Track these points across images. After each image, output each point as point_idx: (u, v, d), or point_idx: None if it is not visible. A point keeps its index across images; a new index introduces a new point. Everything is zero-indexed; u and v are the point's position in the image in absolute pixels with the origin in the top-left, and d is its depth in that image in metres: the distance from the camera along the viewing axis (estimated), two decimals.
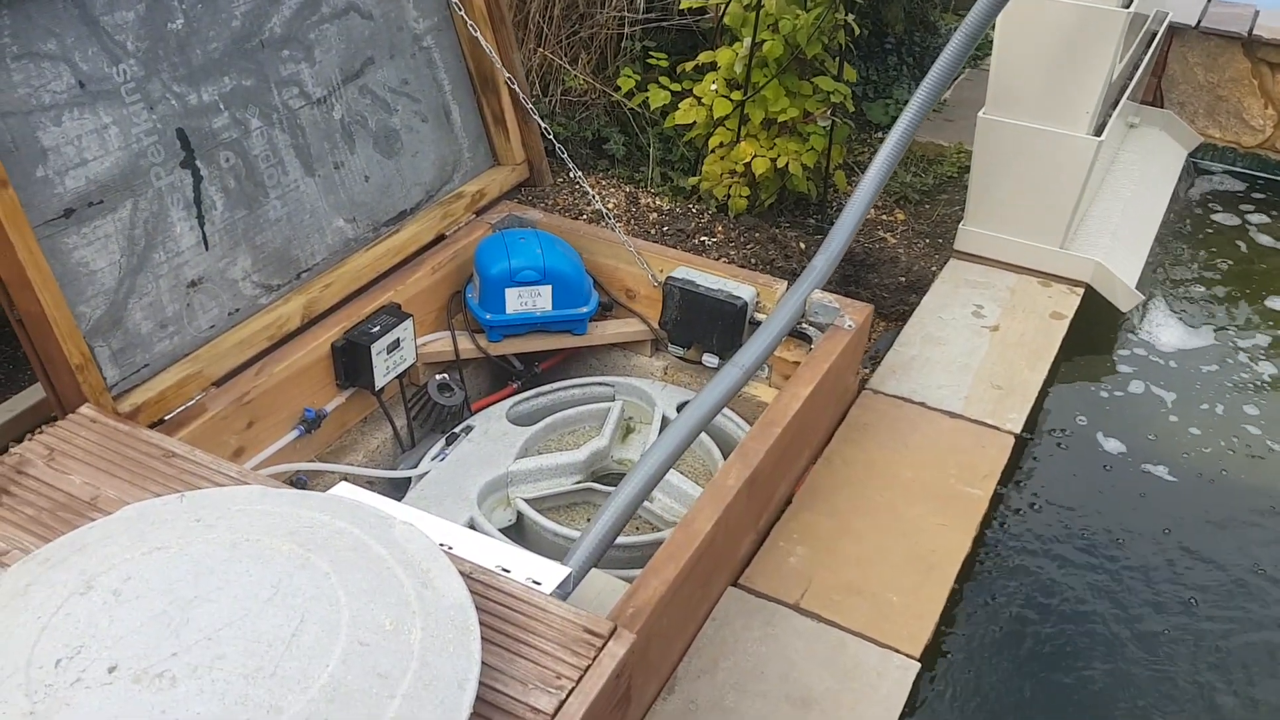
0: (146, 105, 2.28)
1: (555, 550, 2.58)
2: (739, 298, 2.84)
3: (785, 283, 2.93)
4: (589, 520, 2.68)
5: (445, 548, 1.98)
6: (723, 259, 3.50)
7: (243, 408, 2.40)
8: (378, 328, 2.65)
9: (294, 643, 1.42)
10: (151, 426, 2.27)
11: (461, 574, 1.75)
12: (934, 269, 3.79)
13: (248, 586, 1.50)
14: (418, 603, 1.54)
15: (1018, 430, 2.85)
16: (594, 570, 2.14)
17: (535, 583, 1.91)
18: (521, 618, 1.68)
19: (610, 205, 3.69)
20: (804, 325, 2.82)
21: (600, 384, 3.08)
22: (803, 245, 3.73)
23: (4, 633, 1.44)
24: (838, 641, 2.20)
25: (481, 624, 1.64)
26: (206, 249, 2.44)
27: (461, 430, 2.85)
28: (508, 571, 1.94)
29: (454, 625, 1.52)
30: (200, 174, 2.40)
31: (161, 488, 1.91)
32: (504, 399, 3.03)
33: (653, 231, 3.57)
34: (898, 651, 2.18)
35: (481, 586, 1.74)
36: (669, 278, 2.91)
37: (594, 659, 1.60)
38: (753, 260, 3.54)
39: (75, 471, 1.93)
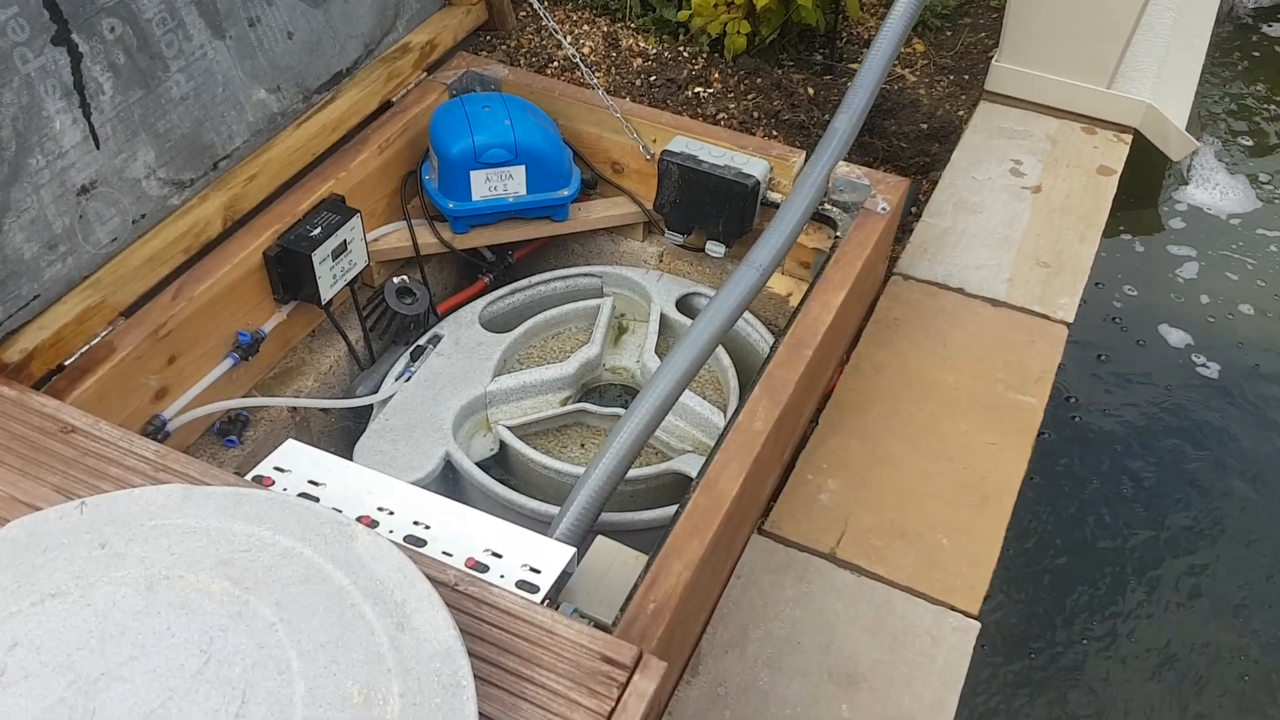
0: None
1: (546, 484, 2.30)
2: (750, 175, 2.45)
3: (803, 154, 2.54)
4: (582, 447, 2.38)
5: (421, 527, 1.69)
6: (721, 115, 3.07)
7: (160, 342, 2.03)
8: (319, 230, 2.25)
9: None
10: (51, 375, 1.91)
11: (444, 586, 1.45)
12: (961, 113, 3.38)
13: (170, 653, 1.19)
14: (393, 655, 1.24)
15: (1070, 319, 2.54)
16: (599, 537, 1.85)
17: (534, 570, 1.63)
18: (524, 644, 1.39)
19: (586, 50, 3.21)
20: (826, 207, 2.45)
21: (586, 275, 2.72)
22: (811, 90, 3.29)
23: None
24: (883, 599, 1.95)
25: (474, 655, 1.35)
26: (97, 145, 2.00)
27: (428, 341, 2.50)
28: (499, 557, 1.65)
29: (441, 683, 1.23)
30: (79, 50, 1.94)
31: (60, 478, 1.57)
32: (474, 298, 2.67)
33: (638, 82, 3.11)
34: (953, 609, 1.93)
35: (472, 604, 1.44)
36: (665, 152, 2.51)
37: (617, 700, 1.32)
38: (755, 114, 3.11)
39: None
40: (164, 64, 2.10)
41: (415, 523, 1.71)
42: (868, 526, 2.07)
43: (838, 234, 2.41)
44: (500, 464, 2.39)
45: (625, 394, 2.58)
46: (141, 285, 2.06)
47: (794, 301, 2.63)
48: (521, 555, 1.65)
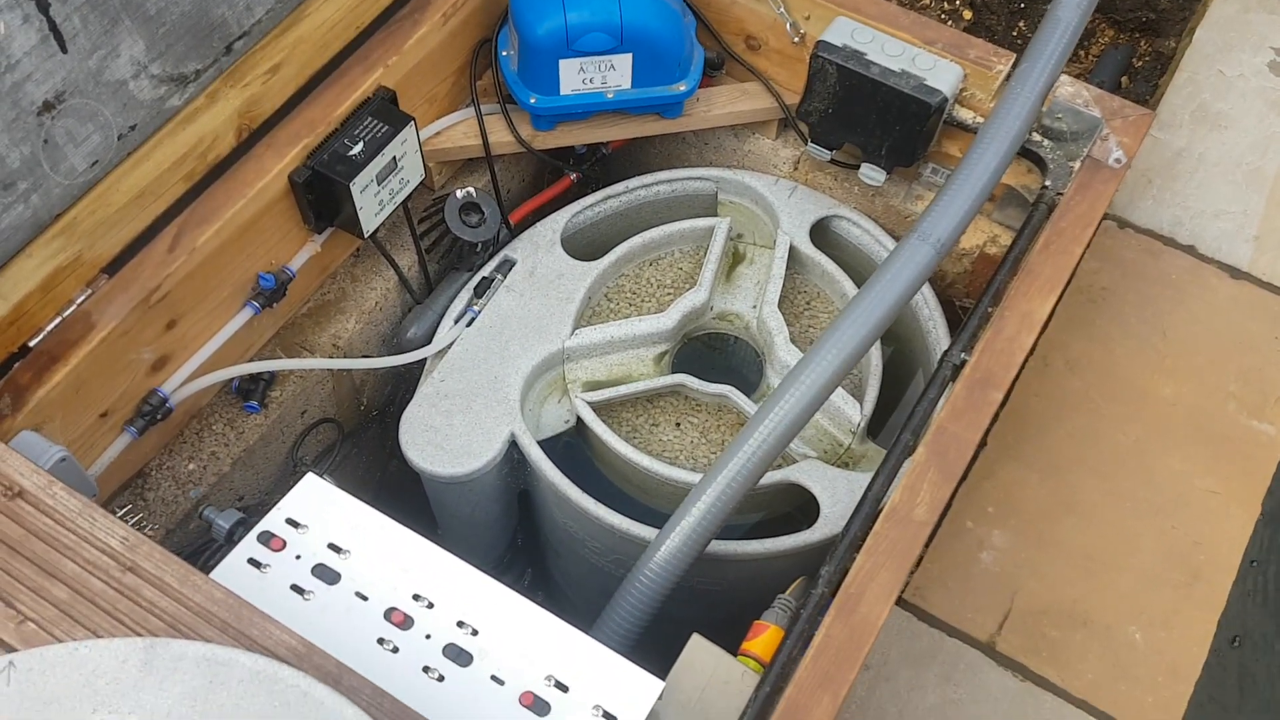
0: None
1: (631, 473, 1.94)
2: (935, 91, 1.89)
3: (1011, 56, 1.95)
4: (677, 426, 1.94)
5: (467, 632, 1.36)
6: None
7: (153, 309, 1.65)
8: (360, 146, 1.80)
9: None
10: (11, 362, 1.56)
11: None
12: None
13: None
14: None
15: None
16: (695, 637, 1.50)
17: (609, 716, 1.30)
18: None
19: None
20: (1035, 139, 1.90)
21: (699, 179, 2.23)
22: None
23: None
24: (1054, 718, 1.59)
25: None
26: (63, 47, 1.55)
27: (496, 270, 2.08)
28: (565, 690, 1.32)
29: None
30: None
31: None
32: (556, 202, 2.22)
33: None
34: None
35: None
36: (820, 44, 1.94)
37: None
38: None
39: None
40: None
41: (460, 623, 1.38)
42: (1041, 606, 1.68)
43: (1046, 183, 1.87)
44: (579, 436, 2.02)
45: (732, 350, 2.16)
46: (129, 230, 1.66)
47: None
48: (595, 689, 1.32)
